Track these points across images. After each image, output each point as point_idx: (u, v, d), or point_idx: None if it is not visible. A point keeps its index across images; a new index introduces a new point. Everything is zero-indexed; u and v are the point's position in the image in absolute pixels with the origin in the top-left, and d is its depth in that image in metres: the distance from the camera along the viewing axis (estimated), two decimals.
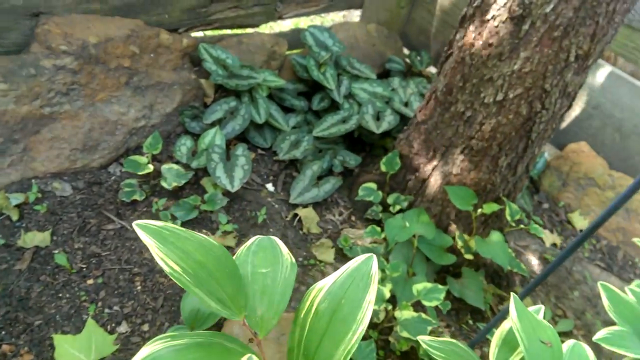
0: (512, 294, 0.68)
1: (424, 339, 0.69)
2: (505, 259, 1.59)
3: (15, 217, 1.47)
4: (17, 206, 1.50)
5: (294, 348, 0.57)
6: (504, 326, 0.72)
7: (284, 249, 0.68)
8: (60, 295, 1.36)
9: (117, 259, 1.50)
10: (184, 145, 1.81)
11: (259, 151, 2.07)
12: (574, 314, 1.88)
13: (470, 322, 1.74)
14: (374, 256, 0.62)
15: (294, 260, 0.66)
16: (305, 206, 1.91)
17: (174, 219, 1.65)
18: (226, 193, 1.79)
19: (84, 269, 1.44)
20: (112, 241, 1.54)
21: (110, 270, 1.46)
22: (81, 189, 1.66)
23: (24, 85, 1.50)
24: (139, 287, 1.45)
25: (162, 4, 1.88)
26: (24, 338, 1.24)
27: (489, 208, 1.65)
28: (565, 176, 2.38)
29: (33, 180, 1.59)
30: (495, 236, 1.63)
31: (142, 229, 0.55)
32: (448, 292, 1.75)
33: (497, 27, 1.39)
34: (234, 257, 0.65)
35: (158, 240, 0.55)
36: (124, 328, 1.34)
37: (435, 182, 1.76)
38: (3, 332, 1.24)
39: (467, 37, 1.49)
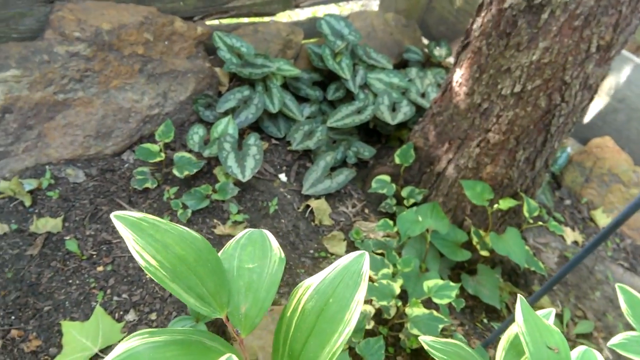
0: (518, 295, 0.65)
1: (425, 340, 0.66)
2: (521, 257, 1.54)
3: (28, 203, 1.48)
4: (31, 192, 1.52)
5: (279, 347, 0.54)
6: (512, 329, 0.69)
7: (274, 244, 0.65)
8: (70, 281, 1.37)
9: (127, 247, 1.50)
10: (196, 133, 1.80)
11: (273, 141, 2.05)
12: (595, 315, 1.82)
13: (485, 320, 1.69)
14: (366, 254, 0.59)
15: (283, 255, 0.64)
16: (317, 197, 1.88)
17: (185, 207, 1.64)
18: (238, 183, 1.78)
19: (94, 256, 1.45)
20: None
21: (120, 258, 1.47)
22: (94, 176, 1.67)
23: (37, 71, 1.50)
24: (148, 276, 1.45)
25: None
26: (32, 323, 1.25)
27: (506, 204, 1.60)
28: (588, 172, 2.29)
29: (47, 166, 1.61)
30: (511, 233, 1.58)
31: (120, 220, 0.53)
32: (462, 290, 1.71)
33: (514, 16, 1.33)
34: (222, 250, 0.63)
35: (136, 232, 0.53)
36: (131, 316, 1.34)
37: (450, 175, 1.71)
38: (13, 317, 1.25)
39: (484, 27, 1.43)
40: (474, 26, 1.51)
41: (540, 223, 1.70)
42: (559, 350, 0.57)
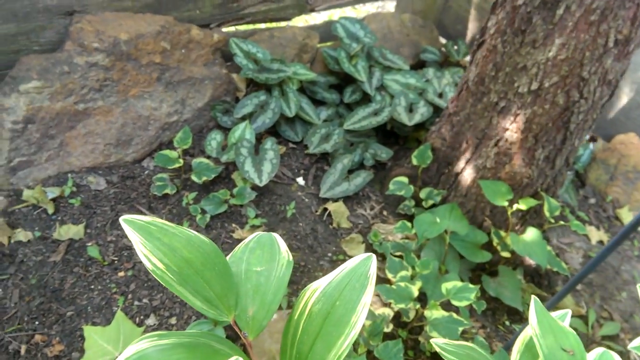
0: (532, 296, 0.63)
1: (437, 342, 0.65)
2: (543, 257, 1.51)
3: (51, 211, 1.52)
4: (53, 200, 1.56)
5: (287, 349, 0.54)
6: (527, 331, 0.67)
7: (283, 247, 0.65)
8: (92, 287, 1.40)
9: None
10: (214, 139, 1.83)
11: (290, 145, 2.05)
12: (621, 317, 1.77)
13: (507, 323, 1.66)
14: (373, 256, 0.58)
15: (291, 258, 0.64)
16: (335, 200, 1.88)
17: (203, 212, 1.66)
18: (255, 187, 1.79)
19: (116, 262, 1.48)
20: None
21: (140, 263, 1.49)
22: (115, 183, 1.70)
23: (58, 82, 1.55)
24: None
25: None
26: (56, 328, 1.28)
27: (526, 203, 1.56)
28: (613, 169, 2.23)
29: (69, 175, 1.65)
30: (532, 233, 1.55)
31: (128, 224, 0.54)
32: (483, 292, 1.68)
33: (529, 12, 1.30)
34: (231, 254, 0.64)
35: (144, 235, 0.53)
36: (152, 321, 1.36)
37: (468, 176, 1.69)
38: (37, 322, 1.28)
39: (499, 24, 1.41)
40: (489, 24, 1.48)
41: (562, 222, 1.66)
42: (574, 353, 0.55)
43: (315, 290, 0.58)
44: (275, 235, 0.67)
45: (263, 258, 0.62)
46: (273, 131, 2.06)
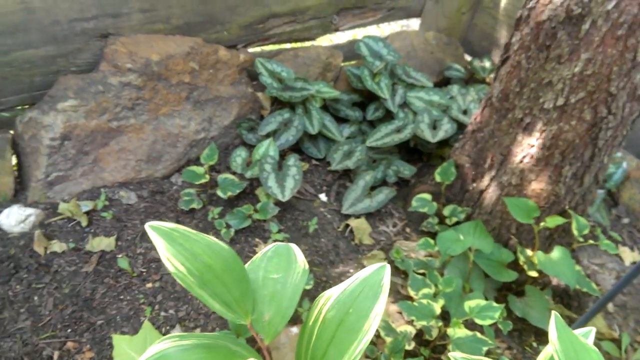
0: (553, 312, 0.63)
1: (455, 356, 0.65)
2: (571, 277, 1.47)
3: (84, 223, 1.59)
4: (87, 213, 1.62)
5: (301, 355, 0.56)
6: (547, 348, 0.66)
7: (299, 257, 0.67)
8: (121, 297, 1.45)
9: None
10: (239, 156, 1.87)
11: (313, 162, 2.08)
12: None
13: (535, 344, 1.62)
14: (387, 266, 0.59)
15: (307, 267, 0.65)
16: (357, 217, 1.89)
17: (228, 227, 1.70)
18: (278, 202, 1.82)
19: (144, 273, 1.52)
20: None
21: (167, 275, 1.53)
22: (145, 198, 1.76)
23: (92, 101, 1.62)
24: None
25: (221, 21, 1.96)
26: (86, 336, 1.33)
27: (553, 221, 1.54)
28: None
29: (102, 189, 1.72)
30: (560, 252, 1.51)
31: (154, 229, 0.57)
32: (510, 312, 1.65)
33: (554, 28, 1.30)
34: (250, 261, 0.66)
35: (167, 241, 0.56)
36: (177, 331, 1.39)
37: (493, 193, 1.67)
38: (69, 330, 1.33)
39: (523, 40, 1.41)
40: (513, 40, 1.49)
41: (591, 242, 1.62)
42: None
43: (329, 297, 0.59)
44: (293, 245, 0.69)
45: (280, 266, 0.64)
46: (296, 148, 2.09)
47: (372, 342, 1.48)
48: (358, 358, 0.52)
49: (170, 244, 0.57)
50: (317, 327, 0.57)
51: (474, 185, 1.75)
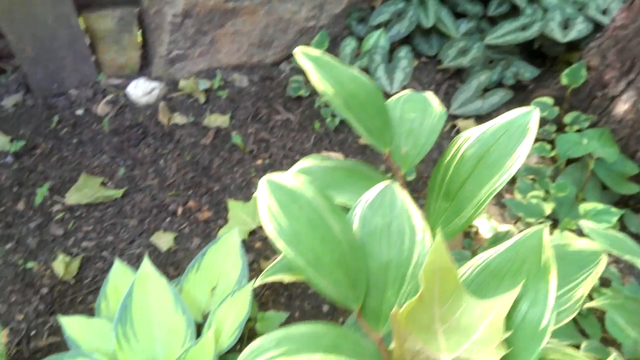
0: None
1: (587, 225, 0.63)
2: None
3: (202, 100, 1.68)
4: (204, 91, 1.71)
5: (434, 189, 0.57)
6: None
7: (435, 102, 0.67)
8: (235, 169, 1.55)
9: (282, 146, 1.63)
10: (348, 45, 1.83)
11: (423, 59, 1.99)
12: None
13: None
14: (537, 109, 0.57)
15: (444, 110, 0.65)
16: (466, 118, 1.81)
17: (333, 116, 1.71)
18: (384, 96, 1.78)
19: (255, 151, 1.61)
20: (279, 130, 1.68)
21: (276, 155, 1.61)
22: (255, 82, 1.81)
23: None
24: None
25: None
26: (205, 199, 1.46)
27: None
28: None
29: (217, 70, 1.79)
30: None
31: (303, 54, 0.59)
32: (624, 228, 1.55)
33: None
34: (385, 103, 0.66)
35: (315, 65, 0.58)
36: None
37: (627, 99, 1.50)
38: (190, 192, 1.47)
39: None
40: None
41: None
42: None
43: (468, 138, 0.59)
44: (427, 92, 0.68)
45: (416, 108, 0.64)
46: (406, 43, 2.00)
47: (470, 237, 1.48)
48: (498, 190, 0.52)
49: (318, 68, 0.58)
50: (455, 164, 0.57)
51: (606, 90, 1.58)
